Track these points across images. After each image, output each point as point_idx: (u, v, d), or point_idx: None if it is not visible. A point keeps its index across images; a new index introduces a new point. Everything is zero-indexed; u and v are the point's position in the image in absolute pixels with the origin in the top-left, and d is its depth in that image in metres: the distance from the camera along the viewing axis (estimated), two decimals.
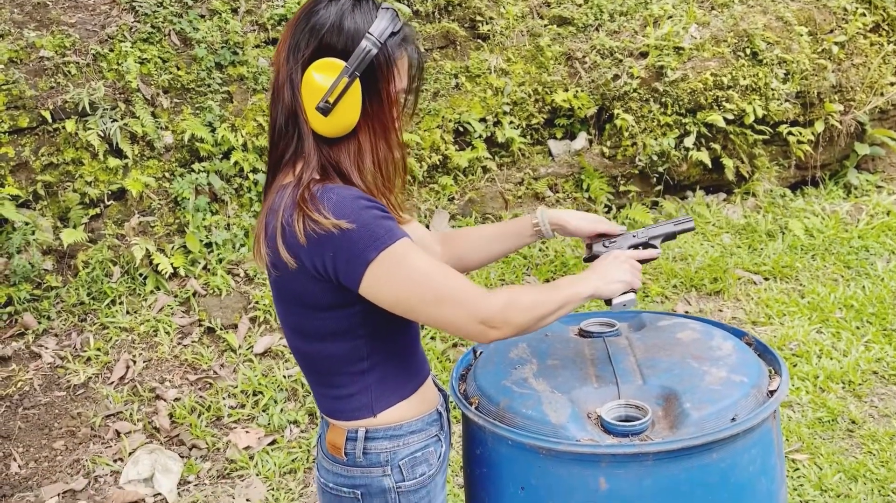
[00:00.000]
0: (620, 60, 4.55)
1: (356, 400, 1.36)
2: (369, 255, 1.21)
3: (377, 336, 1.33)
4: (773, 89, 4.59)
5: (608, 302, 1.45)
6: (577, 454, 1.32)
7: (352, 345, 1.32)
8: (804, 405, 3.10)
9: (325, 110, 1.24)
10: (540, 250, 4.23)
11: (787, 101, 4.65)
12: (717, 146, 4.59)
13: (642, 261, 1.52)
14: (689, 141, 4.51)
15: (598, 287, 1.40)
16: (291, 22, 1.29)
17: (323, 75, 1.24)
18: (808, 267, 4.16)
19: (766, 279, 4.09)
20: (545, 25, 4.68)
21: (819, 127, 4.74)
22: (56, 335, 3.43)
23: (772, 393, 1.44)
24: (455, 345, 3.52)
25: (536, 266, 4.12)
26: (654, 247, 1.58)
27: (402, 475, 1.36)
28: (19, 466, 2.90)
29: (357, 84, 1.24)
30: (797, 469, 2.73)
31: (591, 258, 1.59)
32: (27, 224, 3.52)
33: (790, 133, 4.69)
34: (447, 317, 1.25)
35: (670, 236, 1.61)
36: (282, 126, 1.30)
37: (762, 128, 4.63)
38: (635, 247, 1.58)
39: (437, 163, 4.30)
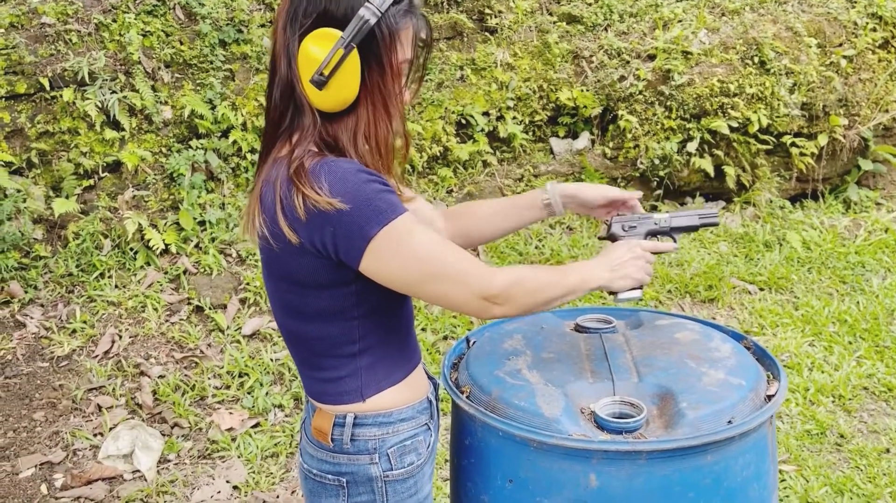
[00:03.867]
0: (628, 62, 4.52)
1: (345, 383, 1.31)
2: (370, 231, 1.17)
3: (371, 318, 1.29)
4: (779, 99, 4.57)
5: (613, 294, 1.42)
6: (568, 449, 1.28)
7: (345, 325, 1.28)
8: (793, 417, 3.08)
9: (319, 83, 1.19)
10: (536, 247, 4.20)
11: (792, 111, 4.63)
12: (719, 153, 4.57)
13: (657, 253, 1.48)
14: (691, 146, 4.48)
15: (608, 280, 1.37)
16: None
17: (318, 47, 1.19)
18: (804, 279, 4.14)
19: (761, 289, 4.07)
20: (554, 22, 4.64)
21: (823, 140, 4.72)
22: (42, 305, 3.38)
23: (769, 398, 1.41)
24: (445, 338, 3.49)
25: (532, 264, 4.09)
26: (673, 239, 1.53)
27: (390, 464, 1.32)
28: None
29: (355, 56, 1.19)
30: (783, 480, 2.71)
31: (608, 237, 1.54)
32: (19, 191, 3.46)
33: (794, 144, 4.67)
34: (449, 294, 1.22)
35: (692, 229, 1.55)
36: (277, 99, 1.25)
37: (766, 137, 4.61)
38: (654, 234, 1.52)
39: (438, 154, 4.26)
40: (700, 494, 1.29)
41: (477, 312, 1.23)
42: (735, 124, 4.51)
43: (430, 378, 1.47)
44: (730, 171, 4.58)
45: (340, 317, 1.27)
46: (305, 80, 1.21)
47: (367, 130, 1.24)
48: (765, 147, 4.63)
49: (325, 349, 1.30)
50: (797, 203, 4.93)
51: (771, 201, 4.78)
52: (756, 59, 4.59)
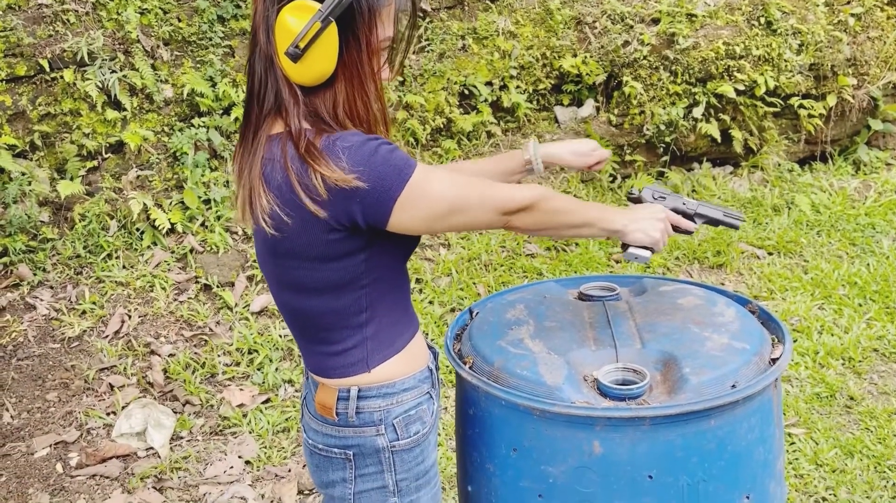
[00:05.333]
0: (631, 26, 4.46)
1: (352, 355, 1.32)
2: (396, 192, 1.19)
3: (378, 286, 1.30)
4: (786, 60, 4.50)
5: (624, 246, 1.45)
6: (571, 416, 1.28)
7: (353, 296, 1.28)
8: (803, 380, 3.07)
9: (294, 56, 1.17)
10: None
11: (799, 73, 4.56)
12: (726, 117, 4.52)
13: (676, 229, 1.52)
14: (697, 111, 4.43)
15: (625, 226, 1.40)
16: None
17: (295, 18, 1.17)
18: (813, 243, 4.11)
19: (770, 254, 4.04)
20: None
21: (831, 101, 4.66)
22: (51, 287, 3.40)
23: (774, 361, 1.40)
24: (453, 310, 3.50)
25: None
26: (694, 222, 1.56)
27: (396, 434, 1.33)
28: (11, 416, 2.89)
29: (332, 30, 1.17)
30: (793, 443, 2.71)
31: (635, 200, 1.58)
32: (24, 174, 3.47)
33: (801, 106, 4.61)
34: (472, 220, 1.27)
35: (714, 222, 1.59)
36: (259, 72, 1.24)
37: (773, 100, 4.55)
38: (678, 212, 1.55)
39: (441, 126, 4.23)
40: (704, 458, 1.29)
41: (498, 226, 1.30)
42: (741, 87, 4.45)
43: (429, 347, 1.47)
44: (737, 134, 4.53)
45: (350, 289, 1.27)
46: (281, 52, 1.19)
47: (345, 106, 1.24)
48: (772, 110, 4.57)
49: (332, 322, 1.30)
50: (806, 166, 4.87)
51: (779, 165, 4.73)
52: (762, 20, 4.51)
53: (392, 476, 1.34)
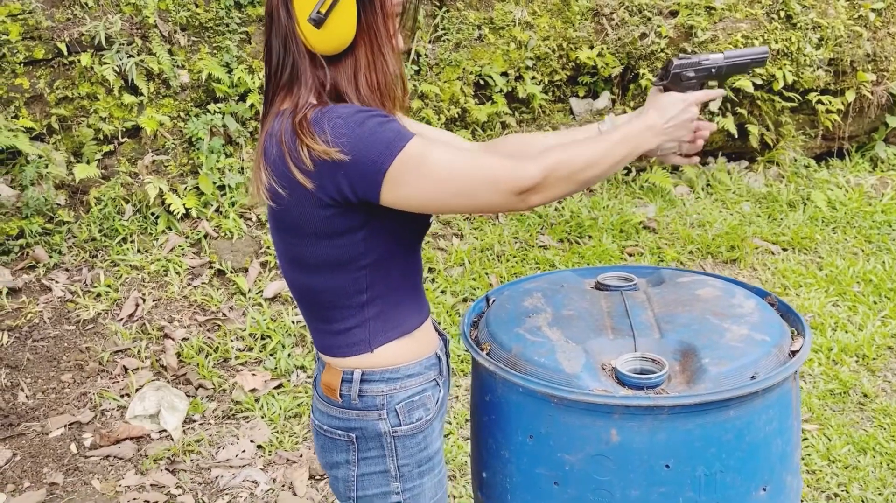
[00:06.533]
0: (649, 18, 4.43)
1: (354, 334, 1.31)
2: (385, 164, 1.16)
3: (379, 267, 1.29)
4: (805, 55, 4.46)
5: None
6: (589, 404, 1.28)
7: (353, 275, 1.28)
8: (816, 376, 3.06)
9: (318, 21, 1.19)
10: (556, 210, 4.17)
11: (818, 67, 4.52)
12: (743, 111, 4.48)
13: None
14: (714, 105, 4.40)
15: (658, 145, 1.31)
16: None
17: None
18: (829, 239, 4.09)
19: (785, 250, 4.02)
20: None
21: (850, 96, 4.62)
22: (67, 270, 3.42)
23: (793, 353, 1.40)
24: (465, 300, 3.50)
25: (552, 225, 4.06)
26: (719, 84, 1.47)
27: (398, 419, 1.32)
28: (27, 397, 2.92)
29: None
30: (806, 439, 2.71)
31: (667, 81, 1.39)
32: (41, 157, 3.49)
33: (819, 101, 4.57)
34: (482, 200, 1.19)
35: (744, 70, 1.45)
36: (279, 49, 1.25)
37: (791, 94, 4.51)
38: (711, 78, 1.41)
39: (456, 115, 4.22)
40: (721, 449, 1.29)
41: (514, 207, 1.20)
42: (759, 81, 4.41)
43: (440, 334, 1.47)
44: (753, 129, 4.50)
45: (348, 267, 1.27)
46: (303, 20, 1.20)
47: (367, 73, 1.24)
48: (790, 104, 4.54)
49: (333, 300, 1.30)
50: (822, 161, 4.84)
51: (795, 160, 4.70)
52: (782, 14, 4.47)
53: (394, 461, 1.34)
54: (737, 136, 4.51)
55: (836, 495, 2.47)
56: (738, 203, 4.38)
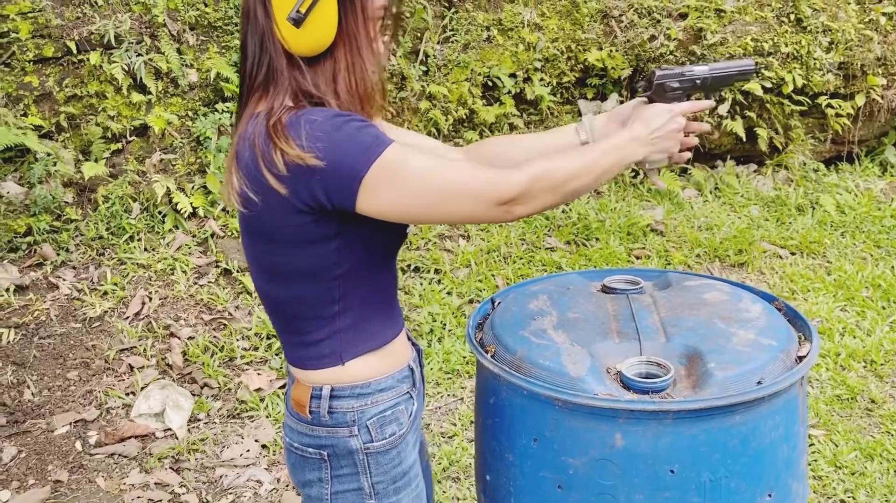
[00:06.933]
0: (658, 20, 4.41)
1: (325, 346, 1.27)
2: (360, 171, 1.13)
3: (352, 278, 1.25)
4: (815, 58, 4.44)
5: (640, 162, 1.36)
6: (594, 408, 1.27)
7: (325, 286, 1.24)
8: (823, 382, 3.04)
9: (297, 20, 1.15)
10: (563, 212, 4.16)
11: (828, 71, 4.50)
12: (752, 115, 4.47)
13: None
14: (723, 108, 4.38)
15: (646, 155, 1.32)
16: None
17: None
18: (837, 244, 4.06)
19: (793, 254, 4.00)
20: None
21: (860, 100, 4.59)
22: (74, 267, 3.43)
23: (801, 359, 1.38)
24: (471, 302, 3.49)
25: (559, 227, 4.06)
26: (706, 96, 1.44)
27: (370, 435, 1.29)
28: (32, 394, 2.93)
29: None
30: (812, 444, 2.69)
31: (651, 92, 1.39)
32: (49, 155, 3.50)
33: (829, 105, 4.55)
34: (462, 211, 1.17)
35: (728, 80, 1.45)
36: (255, 48, 1.22)
37: (800, 98, 4.49)
38: (696, 89, 1.41)
39: (464, 117, 4.22)
40: (727, 455, 1.28)
41: (498, 219, 1.19)
42: (769, 85, 4.39)
43: (413, 345, 1.43)
44: (762, 133, 4.48)
45: (321, 277, 1.23)
46: (281, 20, 1.17)
47: (346, 76, 1.21)
48: (799, 108, 4.52)
49: (304, 311, 1.27)
50: (832, 166, 4.81)
51: (804, 164, 4.68)
52: (792, 17, 4.45)
53: (367, 478, 1.31)
54: (745, 140, 4.49)
55: (842, 501, 2.45)
56: (747, 206, 4.37)
